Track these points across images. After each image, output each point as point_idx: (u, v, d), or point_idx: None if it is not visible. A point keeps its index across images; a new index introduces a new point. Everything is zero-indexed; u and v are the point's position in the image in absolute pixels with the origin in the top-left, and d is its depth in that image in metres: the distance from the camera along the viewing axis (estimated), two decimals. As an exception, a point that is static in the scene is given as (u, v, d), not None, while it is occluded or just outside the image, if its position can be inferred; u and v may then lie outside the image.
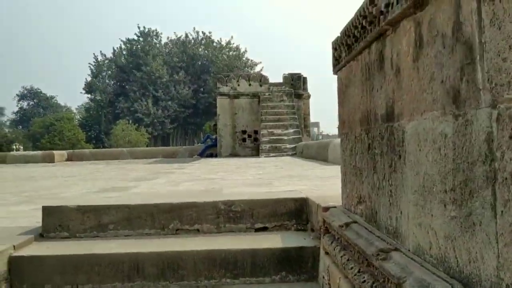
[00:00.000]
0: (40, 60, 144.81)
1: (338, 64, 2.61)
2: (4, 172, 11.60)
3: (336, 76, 2.74)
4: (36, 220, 3.68)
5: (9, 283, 2.80)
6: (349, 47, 2.32)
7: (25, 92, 74.85)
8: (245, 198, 3.40)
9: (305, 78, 17.99)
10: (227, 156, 16.24)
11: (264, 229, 3.35)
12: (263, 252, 2.89)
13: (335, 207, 2.72)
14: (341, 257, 2.25)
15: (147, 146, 43.82)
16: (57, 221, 3.25)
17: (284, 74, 17.76)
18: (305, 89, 18.01)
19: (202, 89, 55.81)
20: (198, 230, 3.32)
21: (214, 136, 18.20)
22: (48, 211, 3.26)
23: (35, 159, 16.99)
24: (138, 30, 55.98)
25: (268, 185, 4.50)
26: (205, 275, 2.89)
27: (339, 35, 2.51)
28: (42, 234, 3.24)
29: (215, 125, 19.60)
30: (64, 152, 18.28)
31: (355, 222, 2.24)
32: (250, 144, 16.76)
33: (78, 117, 64.22)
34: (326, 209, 2.73)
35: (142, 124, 49.01)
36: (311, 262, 2.90)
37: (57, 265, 2.83)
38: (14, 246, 2.87)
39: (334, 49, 2.65)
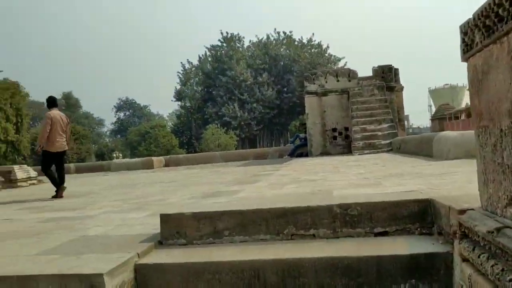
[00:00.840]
0: (134, 73, 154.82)
1: (470, 50, 2.33)
2: (110, 180, 12.41)
3: (466, 64, 2.45)
4: (151, 227, 3.79)
5: (136, 290, 2.88)
6: (488, 29, 2.05)
7: (121, 103, 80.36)
8: (362, 201, 3.20)
9: (396, 70, 17.20)
10: (318, 155, 16.00)
11: (384, 233, 3.13)
12: (389, 259, 2.69)
13: (472, 209, 2.44)
14: (492, 266, 1.99)
15: (236, 148, 44.82)
16: (174, 228, 3.30)
17: (373, 67, 17.13)
18: (397, 81, 17.21)
19: (285, 89, 55.96)
20: (313, 235, 3.19)
21: (303, 136, 18.05)
22: (165, 219, 3.32)
23: (136, 166, 18.04)
24: (221, 36, 57.51)
25: (378, 185, 4.25)
26: (327, 284, 2.75)
27: (471, 17, 2.23)
28: (161, 242, 3.31)
29: (304, 124, 19.43)
30: (162, 158, 19.23)
31: (508, 227, 1.97)
32: (341, 141, 16.37)
33: (170, 124, 67.57)
34: (462, 211, 2.46)
35: (230, 127, 50.25)
36: (444, 270, 2.64)
37: (179, 273, 2.85)
38: (138, 254, 2.95)
39: (464, 33, 2.37)
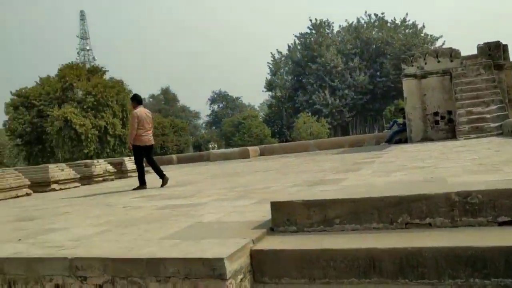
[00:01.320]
0: (226, 66, 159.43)
1: None
2: (212, 169, 12.95)
3: None
4: (260, 214, 3.90)
5: (252, 275, 2.99)
6: None
7: (215, 96, 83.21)
8: (483, 188, 3.00)
9: (505, 46, 15.78)
10: (419, 141, 15.28)
11: (509, 223, 2.91)
12: (519, 250, 2.50)
13: None
14: None
15: (328, 136, 44.33)
16: (285, 216, 3.36)
17: (478, 44, 15.88)
18: (506, 58, 15.78)
19: (378, 73, 54.08)
20: (430, 224, 3.06)
21: (401, 121, 17.33)
22: (276, 206, 3.39)
23: (233, 156, 18.63)
24: (310, 23, 56.93)
25: (498, 171, 3.96)
26: (448, 274, 2.62)
27: None
28: (272, 228, 3.38)
29: (401, 109, 18.63)
30: (257, 148, 19.63)
31: None
32: (443, 126, 15.45)
33: (262, 114, 68.66)
34: None
35: (321, 115, 49.81)
36: None
37: (293, 259, 2.90)
38: (253, 240, 3.05)
39: None
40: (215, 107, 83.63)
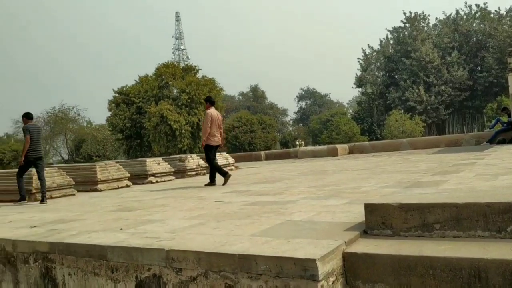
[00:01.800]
0: (314, 63, 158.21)
1: None
2: (300, 166, 12.90)
3: None
4: (353, 215, 3.78)
5: (344, 278, 2.89)
6: None
7: (303, 93, 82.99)
8: None
9: None
10: (526, 141, 13.94)
11: None
12: None
13: None
14: None
15: (422, 135, 42.21)
16: (379, 218, 3.21)
17: None
18: None
19: (479, 68, 50.31)
20: (546, 235, 2.75)
21: (505, 120, 15.93)
22: (370, 208, 3.26)
23: (321, 153, 18.42)
24: (404, 17, 54.45)
25: None
26: None
27: None
28: (366, 231, 3.26)
29: (503, 108, 17.16)
30: (346, 146, 19.22)
31: None
32: (558, 125, 13.93)
33: (350, 111, 67.17)
34: None
35: (415, 112, 47.51)
36: None
37: (389, 264, 2.76)
38: (345, 242, 2.95)
39: None
40: (303, 104, 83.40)
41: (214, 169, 8.63)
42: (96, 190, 9.44)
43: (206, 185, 8.58)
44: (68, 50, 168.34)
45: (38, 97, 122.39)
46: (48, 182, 8.40)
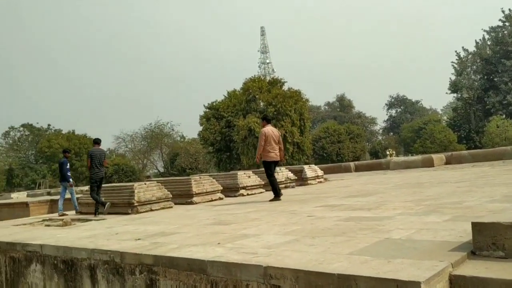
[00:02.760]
0: (403, 70, 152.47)
1: None
2: (393, 178, 12.42)
3: None
4: (457, 234, 3.55)
5: (451, 302, 2.71)
6: None
7: (392, 100, 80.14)
8: None
9: None
10: None
11: None
12: None
13: None
14: None
15: (528, 142, 38.63)
16: (489, 238, 2.98)
17: None
18: None
19: None
20: None
21: None
22: (478, 228, 3.03)
23: (415, 164, 17.60)
24: (503, 15, 50.58)
25: None
26: None
27: None
28: (474, 252, 3.03)
29: None
30: (442, 155, 18.18)
31: None
32: None
33: (445, 118, 63.51)
34: None
35: (519, 117, 43.71)
36: None
37: (503, 290, 2.54)
38: (451, 264, 2.78)
39: None
40: (393, 112, 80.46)
41: (271, 184, 8.92)
42: (191, 203, 9.84)
43: (271, 200, 8.74)
44: (163, 70, 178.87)
45: (137, 114, 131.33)
46: (148, 195, 8.94)
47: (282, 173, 12.73)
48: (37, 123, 74.71)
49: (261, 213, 6.63)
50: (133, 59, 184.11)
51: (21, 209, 23.05)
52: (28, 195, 30.13)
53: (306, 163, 32.66)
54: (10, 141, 73.96)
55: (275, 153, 8.86)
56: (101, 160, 9.65)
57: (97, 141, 10.21)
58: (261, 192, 11.48)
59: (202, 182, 10.34)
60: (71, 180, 11.64)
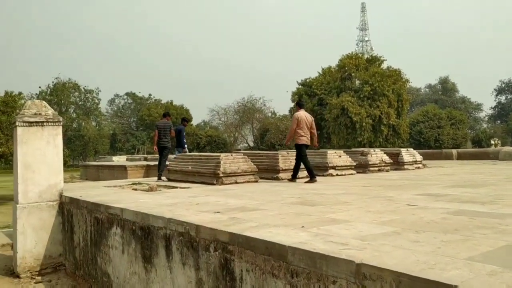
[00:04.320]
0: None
1: None
2: (504, 170, 10.99)
3: None
4: None
5: None
6: None
7: (503, 85, 73.17)
8: None
9: None
10: None
11: None
12: None
13: None
14: None
15: None
16: None
17: None
18: None
19: None
20: None
21: None
22: None
23: (530, 156, 15.58)
24: None
25: None
26: None
27: None
28: None
29: None
30: None
31: None
32: None
33: None
34: None
35: None
36: None
37: None
38: None
39: None
40: (502, 98, 73.50)
41: (305, 166, 8.93)
42: (277, 179, 9.44)
43: (306, 182, 8.65)
44: (259, 43, 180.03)
45: (232, 89, 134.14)
46: (233, 167, 8.67)
47: (376, 155, 11.83)
48: (139, 92, 79.32)
49: (352, 196, 5.99)
50: (241, 33, 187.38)
51: (120, 172, 24.45)
52: (127, 159, 31.95)
53: (400, 148, 30.90)
54: (115, 108, 79.49)
55: (306, 137, 9.02)
56: (165, 131, 10.69)
57: (165, 114, 11.47)
58: (351, 174, 10.74)
59: (289, 158, 9.87)
60: (186, 146, 12.36)
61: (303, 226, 3.68)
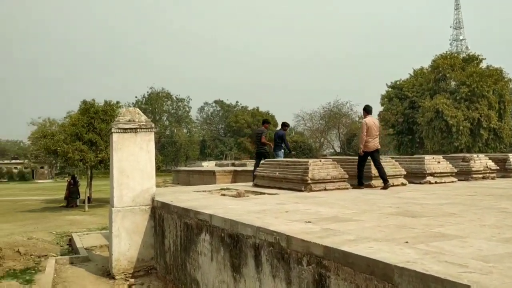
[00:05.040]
0: None
1: None
2: None
3: None
4: None
5: None
6: None
7: None
8: None
9: None
10: None
11: None
12: None
13: None
14: None
15: None
16: None
17: None
18: None
19: None
20: None
21: None
22: None
23: None
24: None
25: None
26: None
27: None
28: None
29: None
30: None
31: None
32: None
33: None
34: None
35: None
36: None
37: None
38: None
39: None
40: None
41: (379, 170, 8.83)
42: (369, 186, 8.91)
43: (354, 187, 8.74)
44: (348, 46, 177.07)
45: (315, 95, 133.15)
46: (322, 174, 8.31)
47: (480, 161, 10.76)
48: (227, 99, 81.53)
49: (458, 207, 5.37)
50: (325, 33, 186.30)
51: (209, 177, 25.13)
52: (216, 165, 32.81)
53: (502, 153, 28.23)
54: (204, 115, 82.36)
55: (374, 144, 9.01)
56: (258, 138, 11.36)
57: (263, 122, 12.12)
58: (452, 181, 9.85)
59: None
60: (279, 153, 11.93)
61: (407, 242, 3.25)
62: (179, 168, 37.53)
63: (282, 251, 3.73)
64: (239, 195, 7.75)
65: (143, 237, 7.64)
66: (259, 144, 11.59)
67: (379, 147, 9.16)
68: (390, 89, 43.13)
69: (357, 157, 9.35)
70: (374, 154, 8.95)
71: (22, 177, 63.21)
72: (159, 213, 7.47)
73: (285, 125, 13.00)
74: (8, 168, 67.32)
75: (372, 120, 9.25)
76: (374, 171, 9.06)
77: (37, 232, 12.54)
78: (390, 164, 9.46)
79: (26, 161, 67.38)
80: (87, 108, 19.65)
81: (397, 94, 41.08)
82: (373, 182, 8.99)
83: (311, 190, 8.11)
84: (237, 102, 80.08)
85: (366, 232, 3.69)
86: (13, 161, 73.63)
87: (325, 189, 8.23)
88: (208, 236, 5.31)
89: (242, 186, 10.19)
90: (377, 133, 9.15)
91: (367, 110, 9.41)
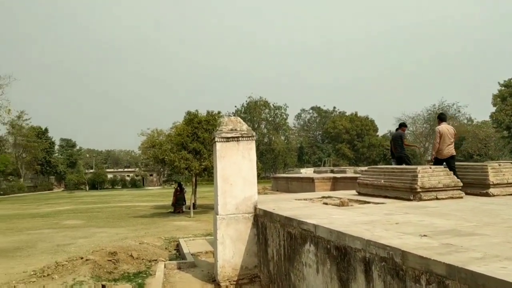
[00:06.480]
0: None
1: None
2: None
3: None
4: None
5: None
6: None
7: None
8: None
9: None
10: None
11: None
12: None
13: None
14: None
15: None
16: None
17: None
18: None
19: None
20: None
21: None
22: None
23: None
24: None
25: None
26: None
27: None
28: None
29: None
30: None
31: None
32: None
33: None
34: None
35: None
36: None
37: None
38: None
39: None
40: None
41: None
42: (486, 195, 8.11)
43: None
44: (439, 49, 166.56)
45: (418, 95, 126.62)
46: (433, 181, 7.73)
47: None
48: (324, 105, 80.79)
49: None
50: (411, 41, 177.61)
51: (308, 184, 24.92)
52: (314, 171, 32.50)
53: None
54: (301, 122, 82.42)
55: (448, 151, 9.12)
56: (397, 142, 11.41)
57: (400, 125, 12.17)
58: None
59: (502, 171, 8.40)
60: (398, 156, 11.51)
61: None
62: (278, 175, 37.81)
63: (397, 268, 3.45)
64: (342, 204, 7.49)
65: (247, 245, 7.70)
66: (398, 148, 11.45)
67: (454, 154, 9.29)
68: (503, 88, 39.54)
69: (471, 163, 8.79)
70: (449, 161, 9.07)
71: (134, 184, 68.48)
72: (262, 221, 7.47)
73: (403, 125, 12.34)
74: (122, 175, 73.43)
75: (446, 127, 9.42)
76: (493, 178, 8.24)
77: (147, 237, 13.34)
78: (511, 170, 8.54)
79: (137, 169, 72.97)
80: (191, 119, 20.60)
81: (511, 93, 37.49)
82: (491, 190, 8.17)
83: (420, 199, 7.59)
84: (334, 107, 79.05)
85: (494, 249, 3.27)
86: (126, 169, 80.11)
87: (437, 198, 7.64)
88: (313, 247, 5.15)
89: (343, 194, 9.88)
90: (452, 140, 9.27)
91: (441, 118, 9.73)
